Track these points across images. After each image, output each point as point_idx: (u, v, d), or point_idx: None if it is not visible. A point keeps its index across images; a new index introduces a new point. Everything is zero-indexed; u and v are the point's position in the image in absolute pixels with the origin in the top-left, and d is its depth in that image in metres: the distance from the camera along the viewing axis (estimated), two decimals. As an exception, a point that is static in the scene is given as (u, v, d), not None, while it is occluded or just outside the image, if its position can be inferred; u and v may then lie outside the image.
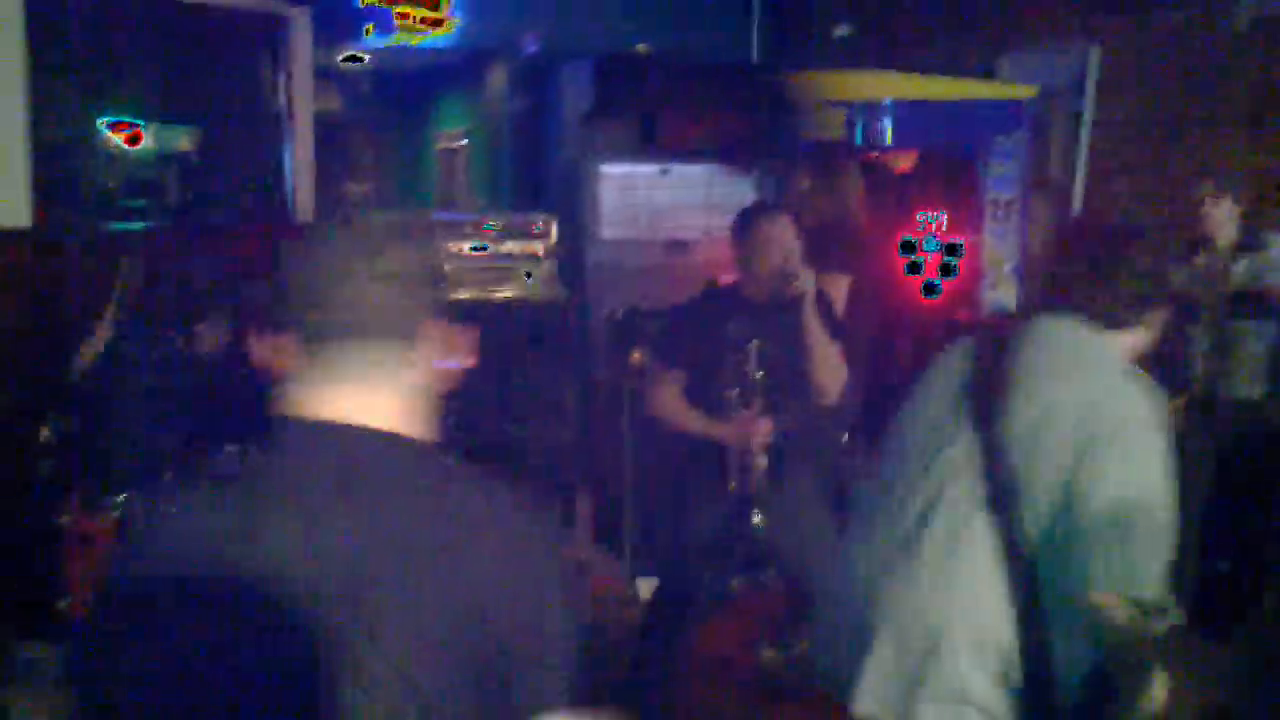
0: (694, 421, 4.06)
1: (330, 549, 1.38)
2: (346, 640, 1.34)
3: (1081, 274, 2.30)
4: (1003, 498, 2.17)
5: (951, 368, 2.44)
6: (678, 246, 7.15)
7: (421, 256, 1.59)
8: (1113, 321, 2.28)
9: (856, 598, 2.36)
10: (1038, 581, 2.14)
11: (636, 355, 5.87)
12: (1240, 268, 4.98)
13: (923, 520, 2.25)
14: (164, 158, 7.80)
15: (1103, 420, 2.12)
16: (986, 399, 2.27)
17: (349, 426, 1.51)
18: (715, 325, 4.03)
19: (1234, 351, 5.00)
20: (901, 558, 2.27)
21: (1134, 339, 2.33)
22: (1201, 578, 5.33)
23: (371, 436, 1.51)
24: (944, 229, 6.90)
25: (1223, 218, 5.00)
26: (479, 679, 1.39)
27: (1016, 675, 2.15)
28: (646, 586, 5.72)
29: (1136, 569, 2.07)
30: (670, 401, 3.99)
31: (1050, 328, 2.32)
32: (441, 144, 9.01)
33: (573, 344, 6.20)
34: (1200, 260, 5.08)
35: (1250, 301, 4.95)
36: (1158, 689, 2.17)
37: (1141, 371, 2.29)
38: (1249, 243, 4.99)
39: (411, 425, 1.57)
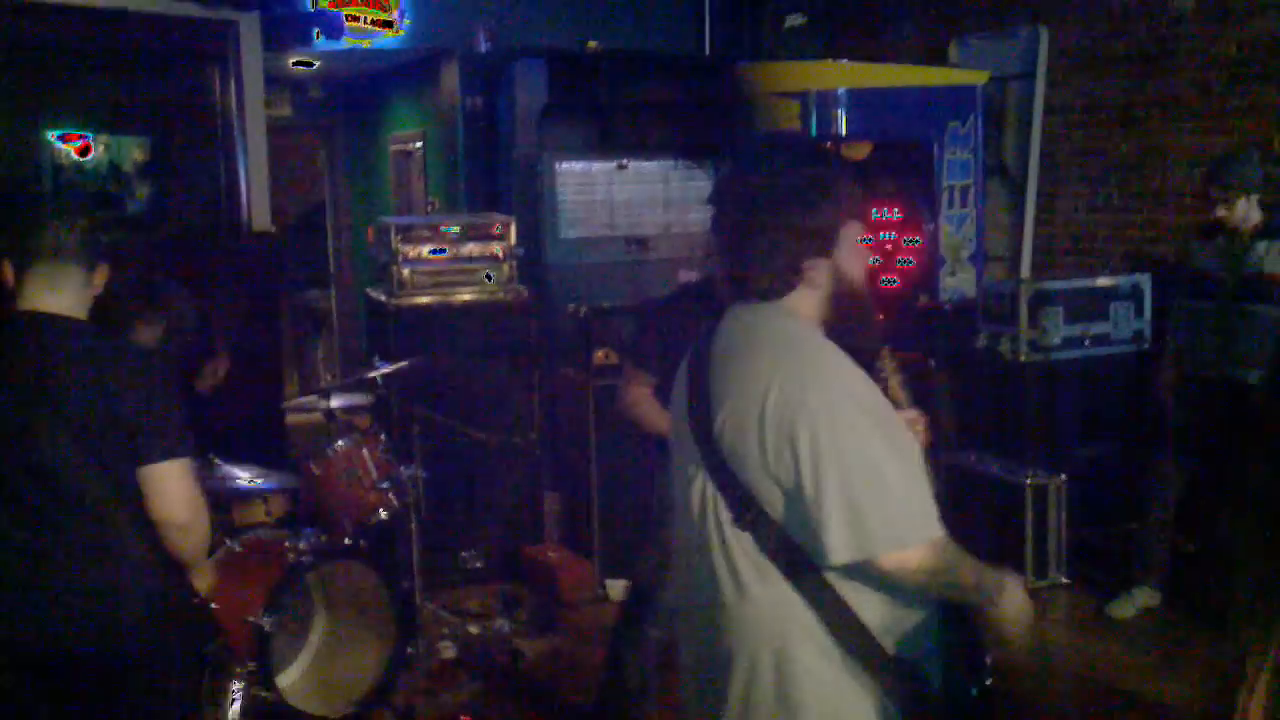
0: (664, 422, 4.06)
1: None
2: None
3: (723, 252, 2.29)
4: (743, 507, 2.12)
5: (680, 379, 2.39)
6: (637, 242, 7.15)
7: None
8: (763, 292, 2.23)
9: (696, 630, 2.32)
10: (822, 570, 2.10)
11: (600, 354, 5.87)
12: (1258, 251, 5.02)
13: (703, 555, 2.21)
14: (114, 169, 7.70)
15: (782, 394, 2.08)
16: (698, 411, 2.23)
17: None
18: (688, 325, 4.04)
19: (1238, 332, 5.05)
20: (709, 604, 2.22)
21: (797, 300, 2.24)
22: (1173, 557, 5.41)
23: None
24: (901, 217, 6.94)
25: (1241, 213, 5.03)
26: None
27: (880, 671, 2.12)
28: (616, 587, 5.73)
29: (877, 522, 2.03)
30: (641, 401, 3.98)
31: (737, 315, 2.29)
32: (395, 147, 8.95)
33: (535, 344, 6.18)
34: (1220, 241, 5.13)
35: (1261, 285, 5.00)
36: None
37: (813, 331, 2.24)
38: (1273, 227, 5.03)
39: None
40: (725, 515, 2.15)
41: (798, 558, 2.09)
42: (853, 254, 2.27)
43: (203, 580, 2.99)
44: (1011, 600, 2.19)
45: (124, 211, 7.58)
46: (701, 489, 2.20)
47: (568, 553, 5.95)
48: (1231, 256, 5.08)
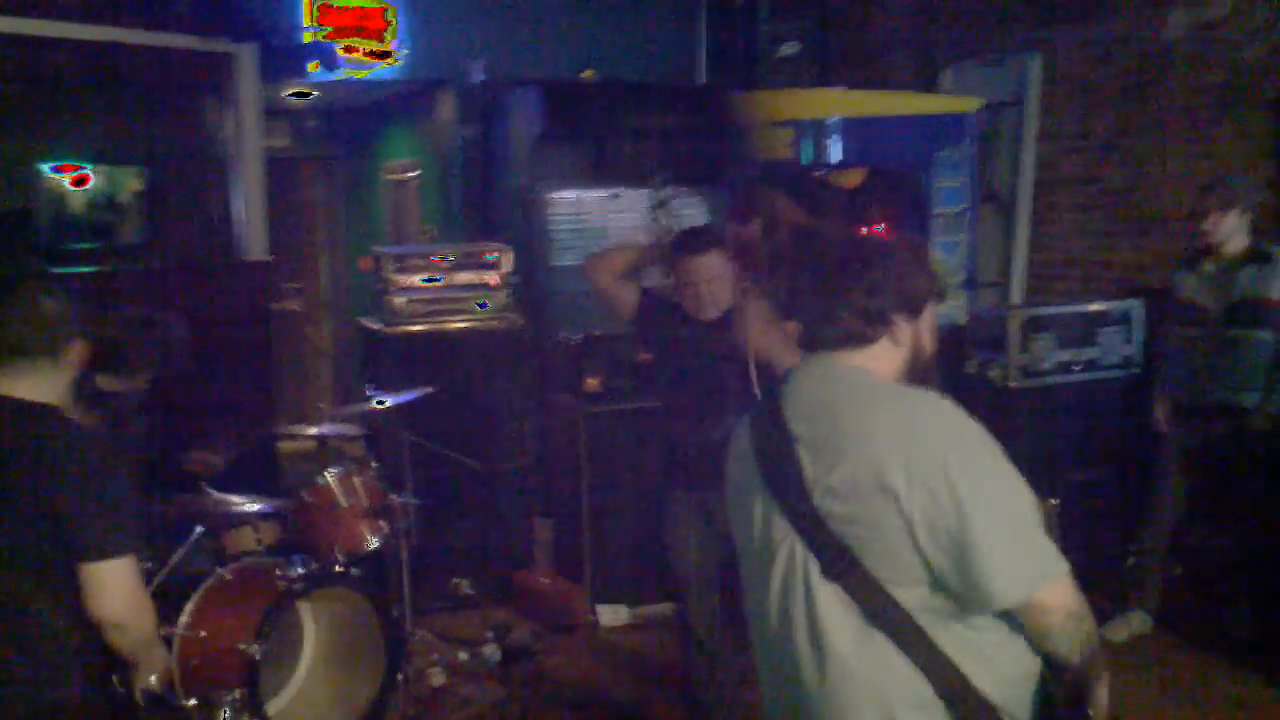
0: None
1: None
2: None
3: (808, 298, 2.23)
4: (838, 560, 2.06)
5: (741, 436, 2.33)
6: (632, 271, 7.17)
7: None
8: (850, 341, 2.20)
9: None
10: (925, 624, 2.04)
11: (592, 381, 5.88)
12: (1244, 276, 5.03)
13: (784, 621, 2.15)
14: (111, 200, 7.75)
15: (915, 449, 2.02)
16: (775, 463, 2.17)
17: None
18: (670, 325, 4.33)
19: (1230, 358, 5.06)
20: (789, 668, 2.16)
21: (878, 355, 2.22)
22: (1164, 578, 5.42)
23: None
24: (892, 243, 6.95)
25: (1231, 227, 5.06)
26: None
27: None
28: (607, 613, 5.73)
29: (1032, 559, 2.02)
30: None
31: (810, 371, 2.24)
32: (391, 176, 9.00)
33: (528, 371, 6.19)
34: (1207, 267, 5.15)
35: (1251, 310, 5.02)
36: (1101, 689, 2.17)
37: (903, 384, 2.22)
38: (1258, 250, 5.05)
39: None
40: (814, 572, 2.09)
41: (897, 613, 2.04)
42: (931, 329, 2.28)
43: (148, 673, 2.89)
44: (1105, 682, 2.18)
45: (119, 241, 7.63)
46: (785, 549, 2.13)
47: (559, 579, 5.94)
48: (1219, 284, 5.10)
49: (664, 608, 5.82)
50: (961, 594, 2.02)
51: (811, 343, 2.25)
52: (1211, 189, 5.16)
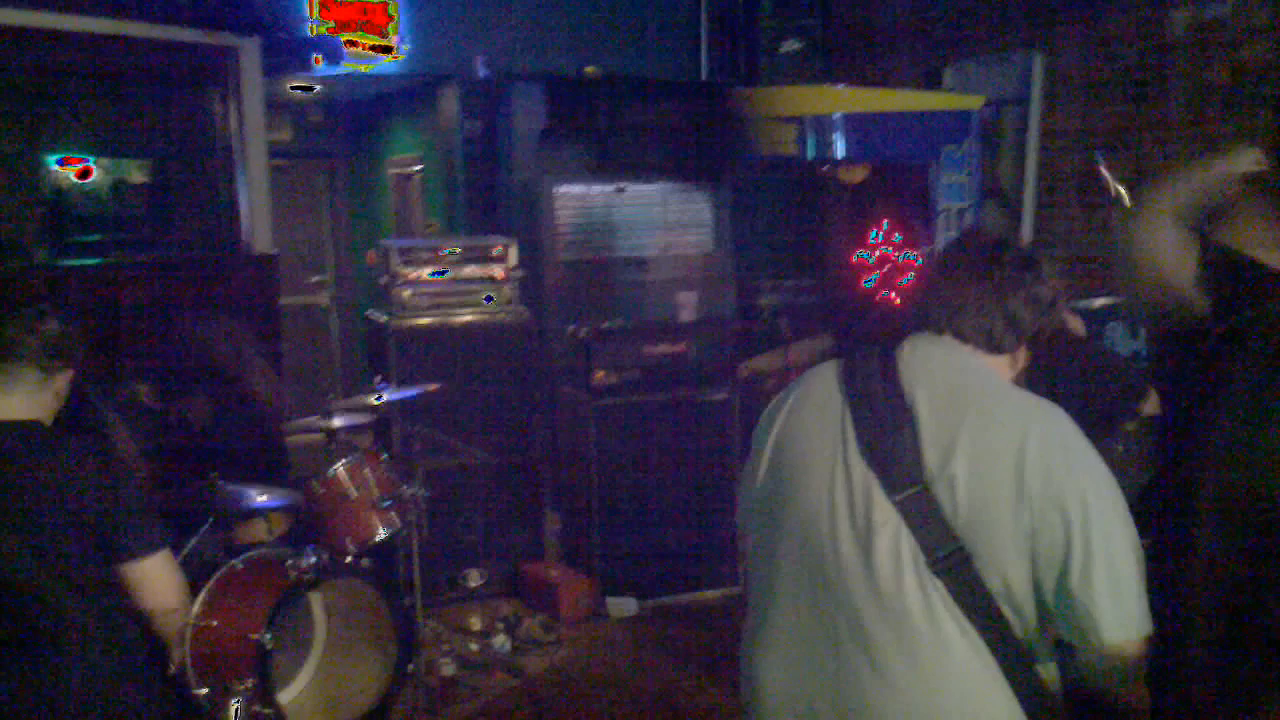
0: None
1: None
2: None
3: (973, 298, 2.13)
4: (948, 559, 1.96)
5: (816, 386, 2.23)
6: (636, 263, 7.21)
7: None
8: (995, 345, 2.14)
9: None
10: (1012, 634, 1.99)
11: (600, 374, 5.90)
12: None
13: (873, 605, 2.02)
14: (116, 192, 7.74)
15: (1056, 465, 1.97)
16: (878, 434, 2.06)
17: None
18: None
19: None
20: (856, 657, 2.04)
21: (1001, 366, 2.18)
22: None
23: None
24: (897, 240, 6.99)
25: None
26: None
27: None
28: (616, 605, 5.75)
29: (1141, 603, 1.98)
30: None
31: (934, 353, 2.14)
32: (395, 170, 9.01)
33: (535, 364, 6.21)
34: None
35: None
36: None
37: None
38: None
39: None
40: (918, 565, 1.98)
41: (999, 624, 1.99)
42: (1024, 361, 2.24)
43: (178, 652, 3.13)
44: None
45: (124, 234, 7.62)
46: (889, 533, 2.01)
47: (568, 570, 5.96)
48: None
49: (673, 599, 5.86)
50: (1056, 616, 1.99)
51: (938, 326, 2.15)
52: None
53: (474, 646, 5.23)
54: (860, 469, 2.06)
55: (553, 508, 6.28)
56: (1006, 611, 1.98)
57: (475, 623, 5.55)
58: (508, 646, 5.25)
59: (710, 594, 5.95)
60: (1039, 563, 1.96)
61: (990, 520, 1.96)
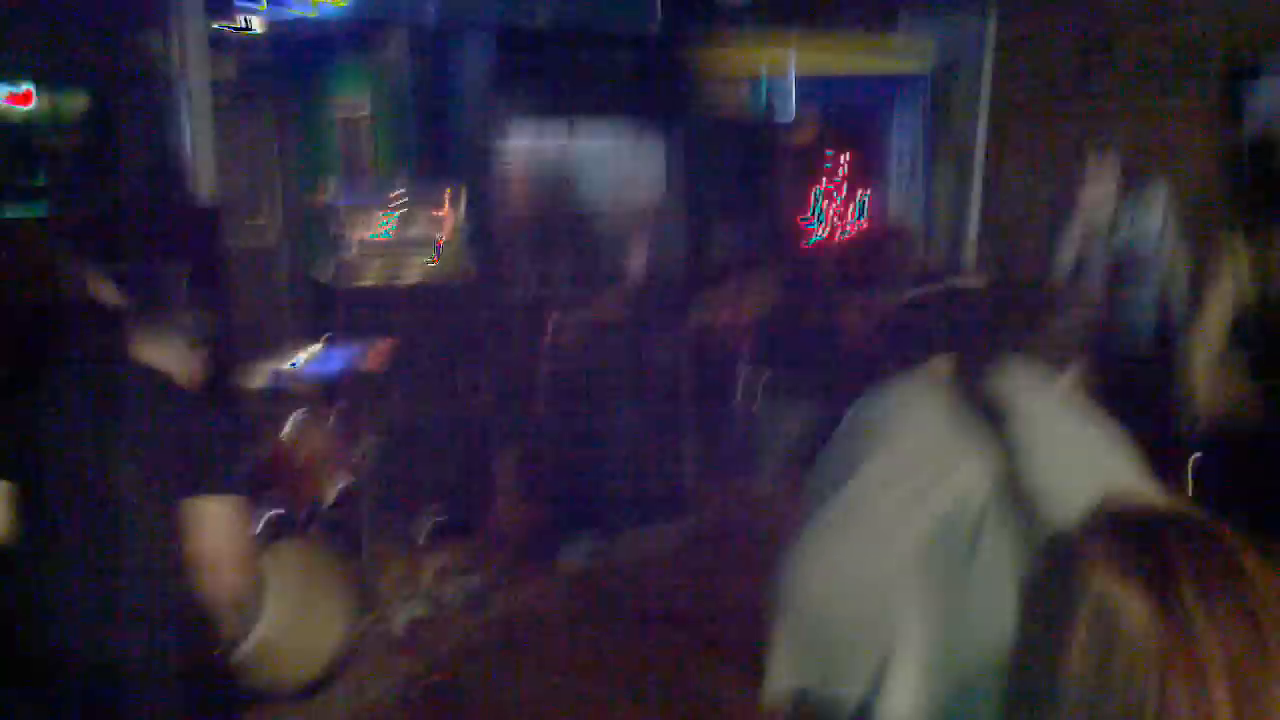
0: None
1: None
2: None
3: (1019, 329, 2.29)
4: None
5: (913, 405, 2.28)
6: (587, 217, 7.22)
7: None
8: (1055, 363, 2.28)
9: None
10: None
11: (550, 322, 5.94)
12: (1120, 239, 5.20)
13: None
14: (56, 122, 7.55)
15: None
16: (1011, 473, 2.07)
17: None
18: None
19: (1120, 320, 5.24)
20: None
21: (1069, 379, 2.33)
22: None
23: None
24: (847, 197, 7.06)
25: (1102, 193, 5.23)
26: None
27: None
28: (572, 544, 5.86)
29: None
30: None
31: (1018, 372, 2.23)
32: (343, 114, 8.89)
33: (483, 321, 6.23)
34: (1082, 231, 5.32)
35: (1129, 269, 5.18)
36: None
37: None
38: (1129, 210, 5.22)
39: None
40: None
41: None
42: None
43: (231, 626, 3.03)
44: None
45: (65, 175, 7.46)
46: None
47: (523, 511, 6.04)
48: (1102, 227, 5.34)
49: (624, 538, 5.96)
50: None
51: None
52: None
53: (430, 593, 5.30)
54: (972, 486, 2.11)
55: (506, 452, 6.33)
56: None
57: (431, 567, 5.60)
58: (462, 593, 5.32)
59: (660, 534, 6.06)
60: None
61: None
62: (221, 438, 2.84)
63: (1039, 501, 2.04)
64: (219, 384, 4.38)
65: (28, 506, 2.73)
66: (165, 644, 2.77)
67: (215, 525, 2.74)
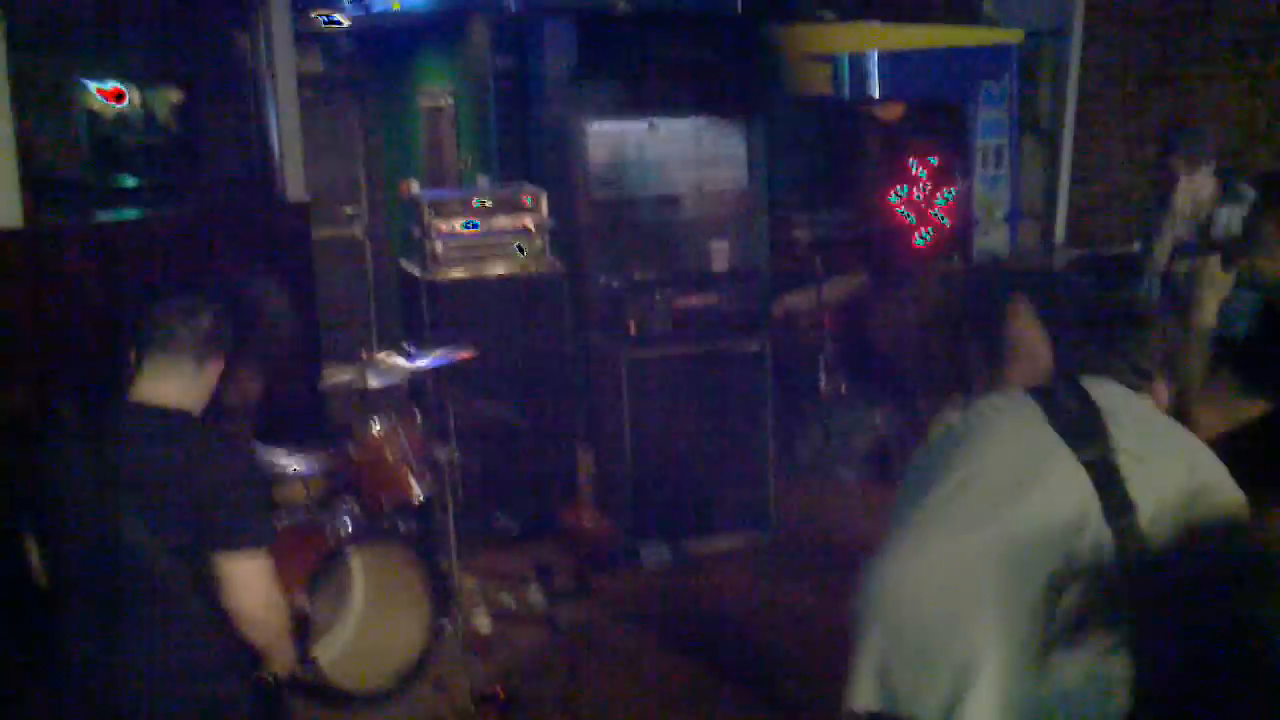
0: None
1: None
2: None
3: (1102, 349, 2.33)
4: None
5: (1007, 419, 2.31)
6: (670, 201, 7.15)
7: None
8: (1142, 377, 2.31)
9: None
10: None
11: (633, 323, 5.91)
12: (1222, 217, 5.05)
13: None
14: (149, 122, 7.70)
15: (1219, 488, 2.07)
16: (1111, 480, 2.08)
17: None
18: None
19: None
20: None
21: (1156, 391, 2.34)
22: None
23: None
24: (934, 177, 6.91)
25: (1201, 179, 5.10)
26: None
27: None
28: (649, 550, 5.83)
29: None
30: None
31: (1113, 388, 2.27)
32: (427, 103, 8.94)
33: (568, 315, 6.22)
34: (1185, 209, 5.18)
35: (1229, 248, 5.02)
36: None
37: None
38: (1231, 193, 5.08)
39: None
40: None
41: None
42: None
43: (280, 662, 2.97)
44: None
45: (158, 176, 7.61)
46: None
47: (601, 518, 6.03)
48: (1198, 225, 5.17)
49: (703, 544, 5.92)
50: None
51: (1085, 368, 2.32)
52: (1175, 149, 5.20)
53: (508, 599, 5.33)
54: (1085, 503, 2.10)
55: (586, 455, 6.33)
56: None
57: (510, 569, 5.63)
58: (542, 599, 5.34)
59: (739, 540, 6.01)
60: None
61: None
62: (253, 485, 2.87)
63: (1142, 512, 2.02)
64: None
65: (54, 559, 2.79)
66: (195, 698, 2.79)
67: (244, 580, 2.75)
